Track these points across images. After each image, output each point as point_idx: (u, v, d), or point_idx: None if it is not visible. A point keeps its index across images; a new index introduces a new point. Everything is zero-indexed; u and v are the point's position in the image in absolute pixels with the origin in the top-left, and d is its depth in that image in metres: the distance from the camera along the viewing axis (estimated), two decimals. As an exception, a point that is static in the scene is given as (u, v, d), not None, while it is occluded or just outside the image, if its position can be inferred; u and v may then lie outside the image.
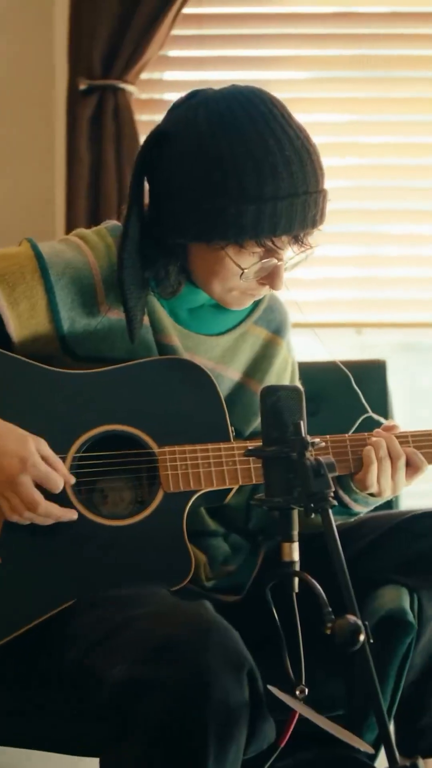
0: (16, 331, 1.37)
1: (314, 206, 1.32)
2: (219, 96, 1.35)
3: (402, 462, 1.40)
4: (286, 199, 1.29)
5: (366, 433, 1.44)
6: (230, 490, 1.43)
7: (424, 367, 2.65)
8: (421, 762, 1.02)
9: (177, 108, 1.38)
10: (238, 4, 2.34)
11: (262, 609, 1.24)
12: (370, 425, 1.62)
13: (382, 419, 1.60)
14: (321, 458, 1.13)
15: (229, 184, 1.29)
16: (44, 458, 1.29)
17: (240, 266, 1.33)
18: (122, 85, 2.20)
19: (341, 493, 1.43)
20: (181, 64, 2.38)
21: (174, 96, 2.34)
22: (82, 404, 1.36)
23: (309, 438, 1.15)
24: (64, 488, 1.32)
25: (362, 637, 1.02)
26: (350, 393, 1.73)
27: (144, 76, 2.27)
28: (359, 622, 1.02)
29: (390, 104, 2.37)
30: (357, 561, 1.34)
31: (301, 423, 1.15)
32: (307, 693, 1.16)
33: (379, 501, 1.45)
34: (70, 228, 2.22)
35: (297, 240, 1.33)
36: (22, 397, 1.35)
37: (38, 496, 1.27)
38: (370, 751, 1.19)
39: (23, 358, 1.37)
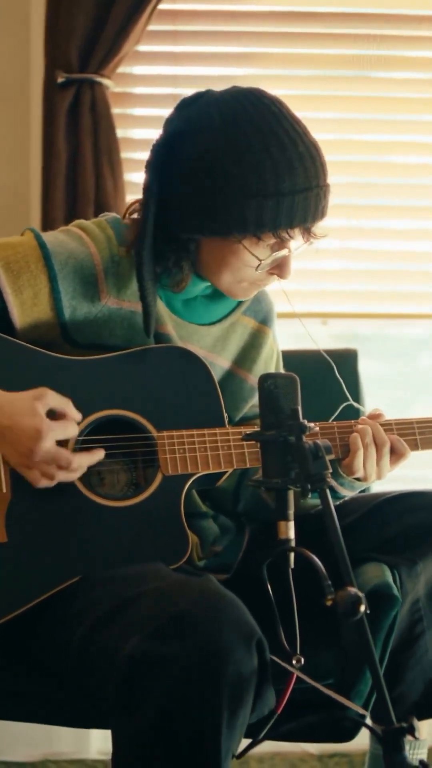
0: (19, 318, 1.41)
1: (324, 198, 1.41)
2: (228, 96, 1.41)
3: (386, 448, 1.48)
4: (302, 192, 1.36)
5: (353, 421, 1.52)
6: (223, 473, 1.50)
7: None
8: (415, 721, 1.10)
9: (185, 108, 1.43)
10: (212, 1, 2.38)
11: (249, 586, 1.31)
12: (349, 413, 1.71)
13: (361, 408, 1.69)
14: (318, 441, 1.20)
15: (248, 180, 1.35)
16: (54, 409, 1.34)
17: (258, 257, 1.40)
18: (99, 79, 2.21)
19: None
20: (154, 59, 2.40)
21: (146, 90, 2.41)
22: (83, 389, 1.41)
23: (306, 423, 1.22)
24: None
25: (362, 608, 1.09)
26: (324, 381, 1.81)
27: (118, 70, 2.29)
28: (359, 594, 1.09)
29: (360, 102, 2.43)
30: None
31: (299, 408, 1.22)
32: (303, 662, 1.23)
33: (365, 485, 1.53)
34: (45, 221, 2.22)
35: (307, 230, 1.41)
36: (26, 381, 1.39)
37: (67, 454, 1.33)
38: (364, 712, 1.27)
39: (27, 344, 1.42)
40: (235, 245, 1.41)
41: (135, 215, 1.49)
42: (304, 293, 2.44)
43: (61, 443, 1.36)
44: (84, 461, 1.37)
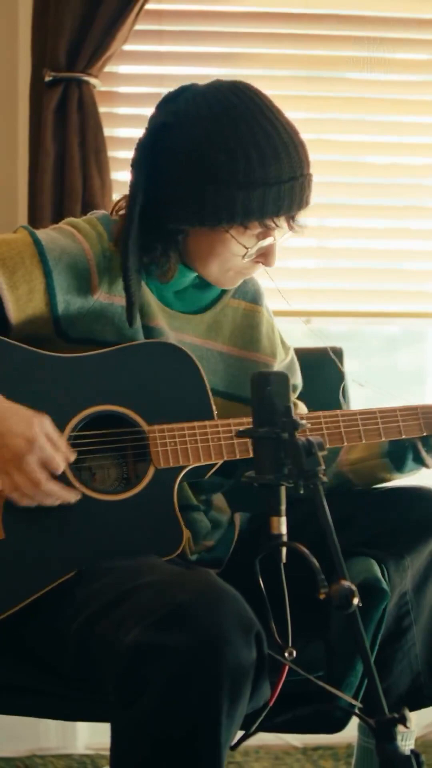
0: (14, 314, 1.42)
1: (308, 187, 1.44)
2: (213, 89, 1.44)
3: None
4: (287, 182, 1.39)
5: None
6: (213, 465, 1.52)
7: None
8: (406, 711, 1.12)
9: (170, 102, 1.46)
10: (198, 1, 2.40)
11: (239, 580, 1.33)
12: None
13: (341, 400, 1.73)
14: (311, 438, 1.23)
15: (235, 170, 1.38)
16: (48, 437, 1.35)
17: (244, 246, 1.43)
18: (86, 78, 2.22)
19: (424, 452, 1.55)
20: (140, 59, 2.42)
21: (131, 89, 2.42)
22: (75, 386, 1.43)
23: (298, 419, 1.24)
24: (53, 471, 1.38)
25: (356, 600, 1.11)
26: (310, 379, 1.85)
27: (104, 69, 2.30)
28: (353, 587, 1.12)
29: (340, 103, 2.47)
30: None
31: (291, 406, 1.25)
32: (295, 655, 1.26)
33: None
34: (32, 218, 2.23)
35: (291, 219, 1.43)
36: (18, 379, 1.41)
37: (42, 476, 1.33)
38: (356, 703, 1.29)
39: (19, 344, 1.43)
40: (222, 235, 1.44)
41: (122, 211, 1.51)
42: (290, 292, 2.47)
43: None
44: (55, 491, 1.35)
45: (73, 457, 1.39)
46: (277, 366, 1.67)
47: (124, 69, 2.43)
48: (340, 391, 1.80)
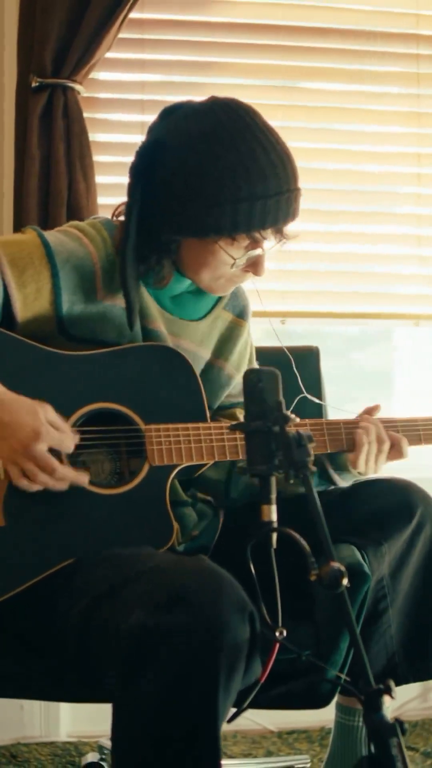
0: (20, 311, 1.49)
1: (294, 202, 1.52)
2: (206, 108, 1.52)
3: (386, 446, 1.61)
4: (273, 197, 1.48)
5: (357, 418, 1.64)
6: (203, 465, 1.60)
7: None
8: (392, 683, 1.21)
9: (166, 117, 1.54)
10: (178, 11, 2.47)
11: (225, 565, 1.41)
12: (306, 407, 1.83)
13: (316, 400, 1.81)
14: (301, 431, 1.31)
15: (224, 186, 1.46)
16: (51, 423, 1.41)
17: (232, 257, 1.51)
18: (71, 84, 2.27)
19: (331, 470, 1.62)
20: (121, 66, 2.48)
21: (113, 95, 2.49)
22: (77, 382, 1.50)
23: (289, 414, 1.33)
24: (61, 459, 1.45)
25: (345, 581, 1.20)
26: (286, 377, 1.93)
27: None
28: (342, 568, 1.20)
29: (311, 112, 2.56)
30: (313, 523, 1.53)
31: (282, 401, 1.33)
32: (285, 634, 1.34)
33: (361, 478, 1.66)
34: (18, 221, 2.28)
35: (278, 231, 1.52)
36: (23, 374, 1.47)
37: (55, 462, 1.40)
38: (344, 677, 1.38)
39: (23, 338, 1.49)
40: (212, 245, 1.52)
41: (122, 217, 1.58)
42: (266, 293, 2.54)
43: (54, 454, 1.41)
44: (69, 475, 1.42)
45: (78, 438, 1.44)
46: (236, 382, 1.74)
47: (104, 75, 2.49)
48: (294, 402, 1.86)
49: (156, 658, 1.22)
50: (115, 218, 1.63)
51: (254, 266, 1.57)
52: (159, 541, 1.49)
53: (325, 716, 2.24)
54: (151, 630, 1.23)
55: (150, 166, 1.51)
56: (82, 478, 1.44)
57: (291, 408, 1.77)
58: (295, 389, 1.92)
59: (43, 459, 1.39)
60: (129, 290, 1.51)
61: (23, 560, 1.44)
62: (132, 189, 1.53)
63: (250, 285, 1.74)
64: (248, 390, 1.33)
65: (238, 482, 1.70)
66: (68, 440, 1.42)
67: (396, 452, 1.64)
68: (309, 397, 1.92)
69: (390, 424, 1.66)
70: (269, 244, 1.56)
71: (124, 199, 2.12)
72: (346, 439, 1.62)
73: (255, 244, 1.54)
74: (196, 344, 1.65)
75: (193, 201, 1.48)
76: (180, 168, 1.49)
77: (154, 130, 1.55)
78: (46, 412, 1.41)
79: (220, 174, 1.47)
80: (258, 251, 1.55)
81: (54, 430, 1.41)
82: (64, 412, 1.47)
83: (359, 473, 1.64)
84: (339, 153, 2.58)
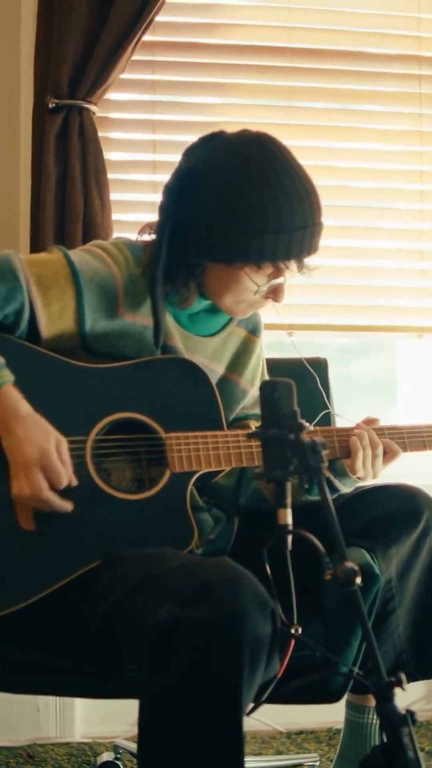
0: (45, 328, 1.57)
1: (317, 235, 1.60)
2: (239, 140, 1.60)
3: (379, 450, 1.69)
4: (299, 230, 1.56)
5: (349, 426, 1.72)
6: (220, 471, 1.67)
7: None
8: (403, 675, 1.28)
9: (199, 148, 1.62)
10: (187, 34, 2.56)
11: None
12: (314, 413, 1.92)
13: (338, 415, 1.89)
14: (315, 438, 1.38)
15: (253, 217, 1.54)
16: (59, 454, 1.48)
17: (256, 283, 1.59)
18: (86, 105, 2.35)
19: (332, 477, 1.70)
20: (132, 87, 2.56)
21: (124, 115, 2.57)
22: (100, 393, 1.57)
23: (304, 422, 1.40)
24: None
25: (358, 579, 1.27)
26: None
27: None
28: (355, 567, 1.27)
29: (322, 131, 2.64)
30: (324, 527, 1.60)
31: (297, 410, 1.41)
32: (300, 631, 1.41)
33: (361, 483, 1.73)
34: (35, 237, 2.35)
35: (300, 262, 1.60)
36: (49, 386, 1.54)
37: (44, 483, 1.47)
38: (356, 670, 1.45)
39: (49, 352, 1.57)
40: (237, 272, 1.61)
41: (145, 236, 1.66)
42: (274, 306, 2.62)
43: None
44: (52, 500, 1.48)
45: (75, 482, 1.51)
46: (250, 395, 1.83)
47: (115, 96, 2.57)
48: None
49: (182, 648, 1.29)
50: (138, 237, 1.70)
51: (275, 293, 1.66)
52: (180, 543, 1.56)
53: (333, 717, 2.32)
54: (178, 622, 1.30)
55: (184, 190, 1.59)
56: (66, 506, 1.50)
57: (315, 422, 1.86)
58: (306, 399, 2.00)
59: (33, 477, 1.46)
60: (158, 310, 1.59)
61: (51, 563, 1.51)
62: (165, 208, 1.61)
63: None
64: (264, 400, 1.40)
65: (247, 490, 1.78)
66: (64, 476, 1.49)
67: (390, 455, 1.71)
68: (334, 412, 2.00)
69: (395, 432, 1.74)
70: (290, 274, 1.64)
71: (136, 215, 2.23)
72: (339, 447, 1.69)
73: (278, 272, 1.63)
74: (208, 359, 1.74)
75: (224, 228, 1.56)
76: (212, 197, 1.57)
77: (190, 155, 1.63)
78: (59, 442, 1.49)
79: (251, 205, 1.55)
80: (280, 280, 1.64)
81: (57, 460, 1.48)
82: (89, 421, 1.55)
83: (358, 478, 1.71)
84: (344, 171, 2.66)
